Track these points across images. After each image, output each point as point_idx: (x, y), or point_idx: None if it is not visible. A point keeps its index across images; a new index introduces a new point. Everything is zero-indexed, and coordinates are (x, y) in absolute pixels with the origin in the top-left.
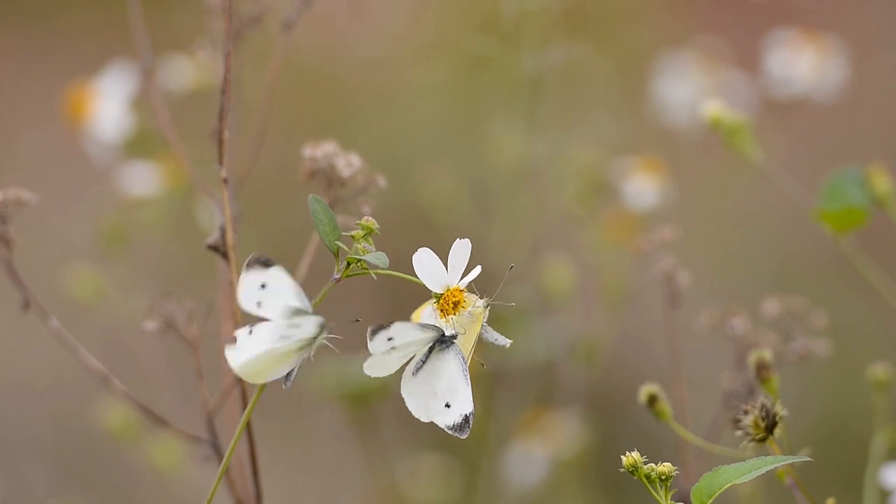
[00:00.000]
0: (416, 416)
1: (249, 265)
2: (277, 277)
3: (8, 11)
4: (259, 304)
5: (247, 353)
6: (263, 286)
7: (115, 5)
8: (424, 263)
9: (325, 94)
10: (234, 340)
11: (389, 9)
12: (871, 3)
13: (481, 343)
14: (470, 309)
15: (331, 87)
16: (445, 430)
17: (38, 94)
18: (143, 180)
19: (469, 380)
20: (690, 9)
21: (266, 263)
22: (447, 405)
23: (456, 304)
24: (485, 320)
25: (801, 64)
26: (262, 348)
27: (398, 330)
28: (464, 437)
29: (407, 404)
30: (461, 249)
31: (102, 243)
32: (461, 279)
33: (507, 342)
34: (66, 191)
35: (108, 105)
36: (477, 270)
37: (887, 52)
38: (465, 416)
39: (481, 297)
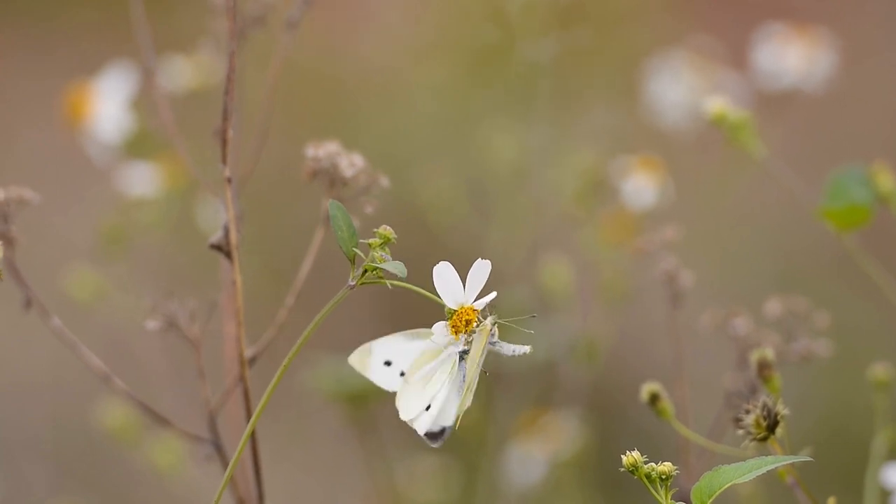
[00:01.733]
0: (400, 412)
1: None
2: (395, 349)
3: (8, 11)
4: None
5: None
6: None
7: (115, 5)
8: (446, 279)
9: (326, 94)
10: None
11: (390, 9)
12: (872, 1)
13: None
14: (479, 327)
15: (332, 87)
16: (420, 434)
17: (38, 94)
18: (142, 181)
19: (461, 393)
20: (690, 8)
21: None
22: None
23: (468, 324)
24: (495, 338)
25: (791, 57)
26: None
27: (393, 350)
28: (435, 446)
29: (396, 401)
30: (481, 270)
31: (102, 244)
32: (476, 299)
33: (527, 349)
34: (66, 191)
35: (108, 105)
36: (492, 295)
37: (887, 51)
38: (444, 428)
39: (490, 313)
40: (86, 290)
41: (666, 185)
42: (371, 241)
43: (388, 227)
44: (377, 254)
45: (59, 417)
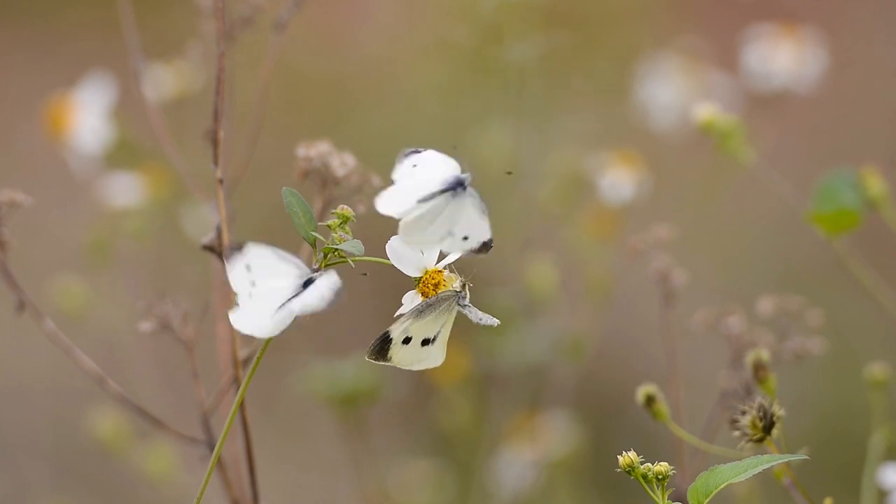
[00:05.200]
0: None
1: (227, 256)
2: (256, 254)
3: (7, 10)
4: (253, 283)
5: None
6: (248, 268)
7: (113, 4)
8: (397, 251)
9: (323, 94)
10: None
11: (388, 9)
12: (871, 2)
13: (472, 344)
14: (451, 287)
15: (329, 86)
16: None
17: (36, 92)
18: (126, 191)
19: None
20: (689, 8)
21: (238, 247)
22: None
23: (436, 286)
24: (467, 301)
25: (780, 58)
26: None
27: (427, 158)
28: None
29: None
30: None
31: (90, 254)
32: (439, 261)
33: (494, 321)
34: (65, 189)
35: (88, 117)
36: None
37: (881, 52)
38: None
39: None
40: (74, 300)
41: (643, 179)
42: (330, 222)
43: (347, 207)
44: (337, 235)
45: (59, 418)
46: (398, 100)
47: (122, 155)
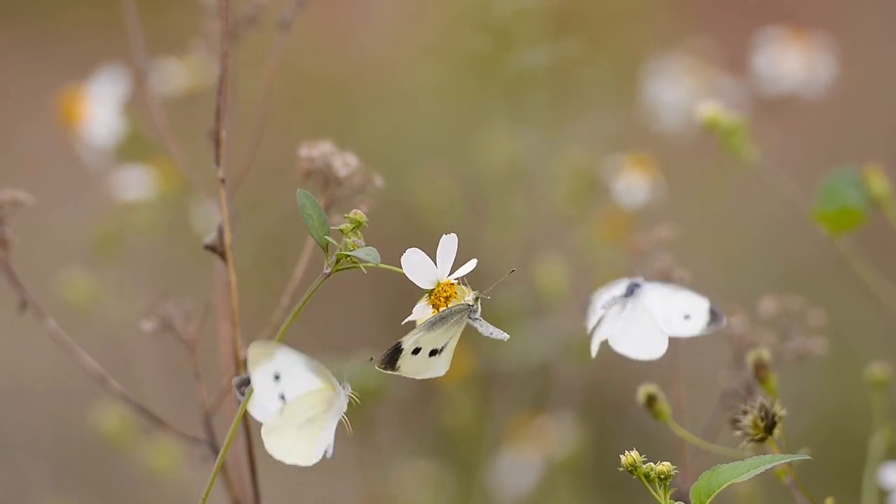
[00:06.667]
0: None
1: (252, 361)
2: (287, 361)
3: (7, 10)
4: (282, 397)
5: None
6: (277, 377)
7: (114, 4)
8: (413, 264)
9: (325, 95)
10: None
11: (389, 10)
12: (873, 2)
13: (475, 343)
14: (464, 299)
15: (331, 87)
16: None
17: (36, 92)
18: (136, 184)
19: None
20: (692, 9)
21: (269, 352)
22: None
23: (447, 299)
24: (478, 315)
25: (789, 62)
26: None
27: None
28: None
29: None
30: (448, 244)
31: (97, 248)
32: (452, 273)
33: (504, 336)
34: (65, 188)
35: (100, 110)
36: (472, 264)
37: (887, 54)
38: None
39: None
40: (80, 295)
41: (658, 183)
42: (343, 226)
43: (359, 211)
44: (349, 240)
45: (59, 418)
46: (399, 100)
47: (133, 149)
